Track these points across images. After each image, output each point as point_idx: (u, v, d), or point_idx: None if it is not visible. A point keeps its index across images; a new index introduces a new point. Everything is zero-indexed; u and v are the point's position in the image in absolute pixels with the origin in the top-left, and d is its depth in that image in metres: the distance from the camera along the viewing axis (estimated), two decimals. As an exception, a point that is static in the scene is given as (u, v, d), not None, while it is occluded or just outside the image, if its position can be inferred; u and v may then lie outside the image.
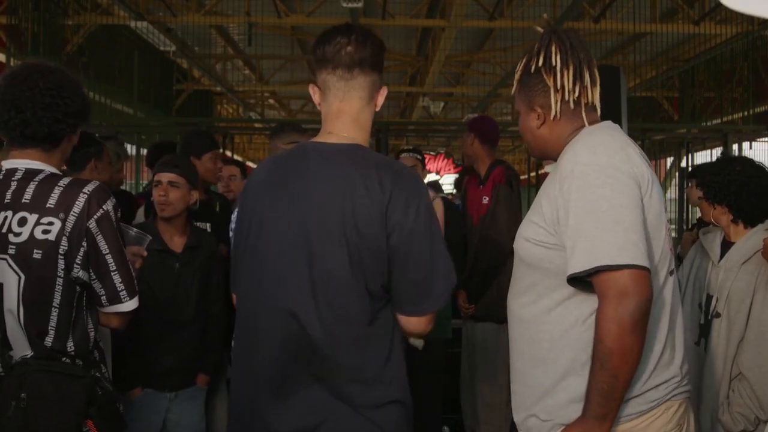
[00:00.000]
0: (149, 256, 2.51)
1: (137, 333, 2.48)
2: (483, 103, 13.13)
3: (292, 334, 1.51)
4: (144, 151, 7.73)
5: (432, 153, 10.37)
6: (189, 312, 2.56)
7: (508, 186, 3.49)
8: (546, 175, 3.53)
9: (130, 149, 7.92)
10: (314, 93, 1.64)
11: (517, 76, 1.68)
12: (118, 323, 1.77)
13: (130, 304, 1.72)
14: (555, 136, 1.64)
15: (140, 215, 3.35)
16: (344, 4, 6.83)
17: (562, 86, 1.58)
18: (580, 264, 1.43)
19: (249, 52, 10.97)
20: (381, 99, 1.64)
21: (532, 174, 9.67)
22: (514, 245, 1.65)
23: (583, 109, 1.61)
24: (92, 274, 1.67)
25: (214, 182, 3.10)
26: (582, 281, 1.47)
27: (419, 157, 3.68)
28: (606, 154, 1.50)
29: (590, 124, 1.61)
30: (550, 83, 1.59)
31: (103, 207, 1.66)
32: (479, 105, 13.27)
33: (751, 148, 8.59)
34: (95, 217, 1.65)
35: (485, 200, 3.54)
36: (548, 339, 1.54)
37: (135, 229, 2.02)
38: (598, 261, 1.41)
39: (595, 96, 1.61)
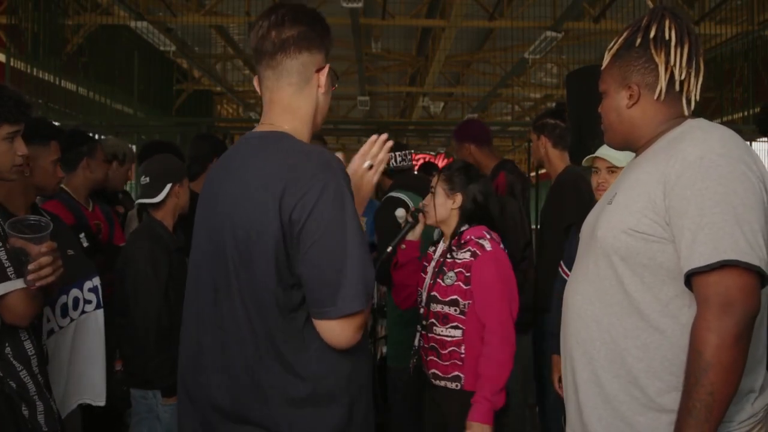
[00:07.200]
0: (175, 258, 2.50)
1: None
2: (483, 103, 13.13)
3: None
4: (144, 152, 7.70)
5: (432, 153, 10.36)
6: None
7: (510, 196, 3.23)
8: (546, 175, 3.49)
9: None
10: (256, 85, 1.55)
11: (613, 49, 1.51)
12: (8, 319, 1.75)
13: None
14: (646, 120, 1.47)
15: (133, 215, 3.35)
16: (344, 4, 6.84)
17: (675, 64, 1.43)
18: (703, 257, 1.25)
19: (249, 52, 10.98)
20: (323, 78, 1.51)
21: (532, 174, 9.64)
22: (601, 234, 1.44)
23: (684, 96, 1.46)
24: None
25: None
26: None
27: None
28: (737, 148, 1.34)
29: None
30: (660, 59, 1.43)
31: None
32: (479, 105, 13.27)
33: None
34: None
35: None
36: (640, 346, 1.38)
37: (33, 217, 1.77)
38: (726, 254, 1.24)
39: (698, 89, 1.45)
